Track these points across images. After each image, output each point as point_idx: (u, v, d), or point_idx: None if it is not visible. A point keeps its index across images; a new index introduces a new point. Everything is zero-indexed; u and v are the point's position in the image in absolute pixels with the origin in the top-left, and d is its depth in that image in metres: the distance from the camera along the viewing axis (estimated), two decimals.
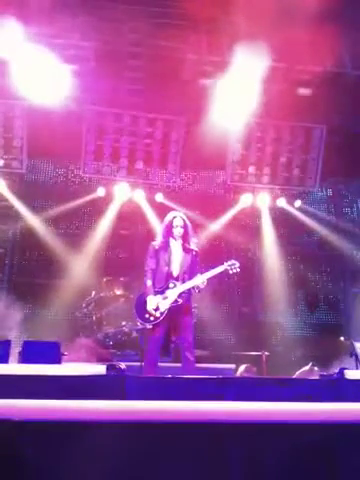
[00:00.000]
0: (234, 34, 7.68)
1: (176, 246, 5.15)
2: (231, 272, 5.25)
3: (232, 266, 5.23)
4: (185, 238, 5.16)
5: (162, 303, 4.92)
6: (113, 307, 7.93)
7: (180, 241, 5.15)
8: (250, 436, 2.07)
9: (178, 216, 5.21)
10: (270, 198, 9.73)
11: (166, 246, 5.12)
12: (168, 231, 5.17)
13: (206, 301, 9.22)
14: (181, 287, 4.95)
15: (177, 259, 5.09)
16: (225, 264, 5.23)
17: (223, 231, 9.81)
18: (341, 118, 8.83)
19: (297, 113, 8.75)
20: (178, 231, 5.13)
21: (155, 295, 4.95)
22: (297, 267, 10.00)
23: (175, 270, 5.05)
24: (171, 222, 5.18)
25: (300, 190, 9.92)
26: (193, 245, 5.22)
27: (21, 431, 1.95)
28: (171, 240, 5.16)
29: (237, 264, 5.26)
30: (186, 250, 5.13)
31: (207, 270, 5.19)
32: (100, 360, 6.32)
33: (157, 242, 5.19)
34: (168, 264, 5.05)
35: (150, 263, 5.12)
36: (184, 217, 5.25)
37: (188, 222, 5.25)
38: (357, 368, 5.40)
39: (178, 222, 5.15)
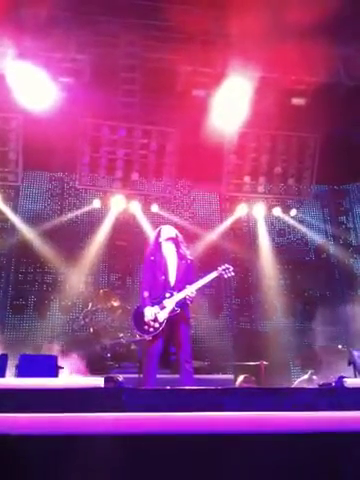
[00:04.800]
0: (227, 46, 7.75)
1: (171, 256, 5.15)
2: (226, 276, 5.26)
3: (226, 270, 5.23)
4: (178, 247, 5.20)
5: (160, 313, 4.89)
6: (110, 319, 7.90)
7: (174, 250, 5.18)
8: (250, 446, 2.06)
9: (166, 227, 5.33)
10: (266, 207, 9.77)
11: (161, 256, 5.13)
12: (157, 240, 5.23)
13: (204, 311, 9.21)
14: (177, 296, 4.94)
15: (172, 268, 5.09)
16: (219, 269, 5.23)
17: (219, 241, 9.83)
18: (335, 127, 8.89)
19: (291, 123, 8.82)
20: (167, 236, 5.19)
21: (152, 306, 4.92)
22: (294, 276, 10.01)
23: (171, 279, 5.05)
24: (159, 233, 5.26)
25: (295, 199, 9.97)
26: (187, 253, 5.24)
27: (20, 445, 1.93)
28: (164, 249, 5.18)
29: (231, 268, 5.26)
30: (181, 258, 5.14)
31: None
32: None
33: (150, 253, 5.22)
34: (164, 273, 5.04)
35: (146, 275, 5.13)
36: (173, 228, 5.35)
37: (177, 232, 5.31)
38: (356, 376, 5.39)
39: (167, 232, 5.24)
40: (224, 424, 2.34)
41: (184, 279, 5.04)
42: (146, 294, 5.00)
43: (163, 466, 1.97)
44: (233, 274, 5.29)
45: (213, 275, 5.19)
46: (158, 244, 5.21)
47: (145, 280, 5.12)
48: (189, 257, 5.21)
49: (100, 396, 3.47)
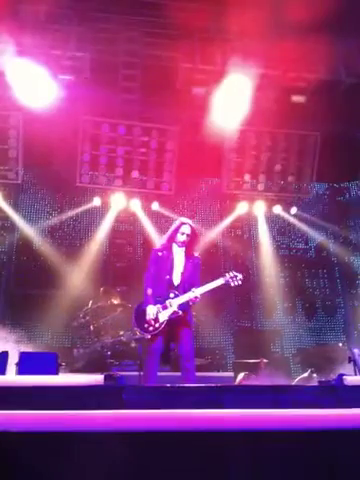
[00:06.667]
0: (227, 43, 7.75)
1: (179, 254, 5.02)
2: (233, 285, 5.03)
3: (233, 278, 5.03)
4: (189, 247, 5.04)
5: (162, 313, 4.81)
6: (110, 317, 7.90)
7: (183, 249, 5.03)
8: (249, 443, 2.06)
9: (187, 223, 5.06)
10: (266, 205, 9.76)
11: (168, 253, 5.00)
12: (173, 237, 5.05)
13: (204, 309, 9.22)
14: (181, 298, 4.84)
15: (178, 268, 4.97)
16: (227, 276, 5.04)
17: (220, 239, 9.84)
18: (335, 125, 8.89)
19: (291, 120, 8.81)
20: (183, 238, 5.00)
21: (155, 304, 4.83)
22: (294, 274, 10.01)
23: (176, 279, 4.94)
24: (178, 228, 5.05)
25: (296, 197, 9.96)
26: (196, 252, 5.11)
27: (20, 442, 1.93)
28: (174, 247, 5.04)
29: (239, 276, 5.05)
30: (188, 258, 5.01)
31: (206, 280, 5.06)
32: None
33: (160, 247, 5.09)
34: (169, 272, 4.93)
35: (151, 270, 4.98)
36: (193, 225, 5.09)
37: (196, 232, 5.12)
38: (356, 374, 5.39)
39: (185, 229, 5.02)
40: (224, 422, 2.34)
41: (189, 279, 4.94)
42: (150, 291, 4.88)
43: (163, 463, 1.97)
44: (240, 283, 5.05)
45: (220, 282, 4.99)
46: (171, 241, 5.06)
47: (149, 276, 4.96)
48: (196, 255, 5.10)
49: (100, 394, 3.48)
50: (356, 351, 5.56)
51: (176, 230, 5.05)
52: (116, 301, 8.11)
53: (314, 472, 2.05)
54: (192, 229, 5.06)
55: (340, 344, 8.29)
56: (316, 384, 5.65)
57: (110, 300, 8.10)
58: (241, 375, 6.70)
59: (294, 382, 6.58)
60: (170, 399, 3.41)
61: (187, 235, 5.02)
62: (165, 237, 5.14)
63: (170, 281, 4.93)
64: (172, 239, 5.06)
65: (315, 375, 6.63)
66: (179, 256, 5.02)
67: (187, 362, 4.81)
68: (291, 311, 9.70)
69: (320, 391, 3.93)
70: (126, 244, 9.68)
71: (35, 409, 2.41)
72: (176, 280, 4.95)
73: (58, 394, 3.32)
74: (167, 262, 4.96)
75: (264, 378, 6.46)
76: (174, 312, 4.82)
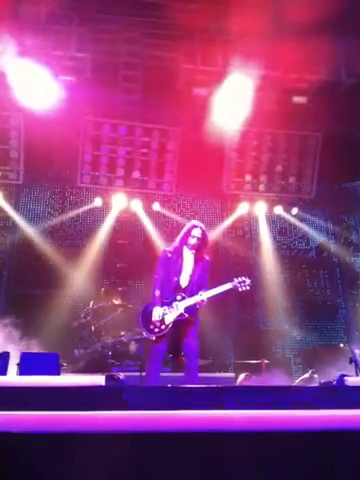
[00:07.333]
0: (228, 43, 7.75)
1: (188, 257, 5.04)
2: (240, 290, 5.05)
3: (242, 283, 5.04)
4: (200, 250, 5.04)
5: (168, 315, 4.83)
6: (111, 317, 7.90)
7: (193, 252, 5.04)
8: (250, 444, 2.06)
9: (198, 227, 5.07)
10: (267, 206, 9.76)
11: (178, 255, 5.02)
12: (184, 240, 5.06)
13: (206, 310, 9.21)
14: (188, 301, 4.86)
15: (187, 270, 4.99)
16: (235, 281, 5.06)
17: (221, 240, 9.83)
18: (336, 125, 8.89)
19: (293, 121, 8.81)
20: (194, 241, 5.00)
21: (162, 306, 4.86)
22: (295, 274, 10.00)
23: (184, 281, 4.97)
24: (189, 231, 5.06)
25: (297, 197, 9.95)
26: (205, 256, 5.12)
27: (21, 443, 1.93)
28: (185, 249, 5.05)
29: (248, 281, 5.06)
30: (197, 261, 5.02)
31: (213, 282, 5.03)
32: None
33: (170, 249, 5.09)
34: (177, 275, 4.96)
35: (160, 271, 5.00)
36: (204, 229, 5.10)
37: (207, 235, 5.15)
38: (357, 375, 5.39)
39: (196, 233, 5.03)
40: (225, 422, 2.34)
41: (198, 282, 4.96)
42: (157, 293, 4.91)
43: (163, 464, 1.98)
44: (248, 288, 5.07)
45: (227, 286, 5.02)
46: (182, 243, 5.06)
47: (158, 278, 4.98)
48: (206, 258, 5.10)
49: (101, 394, 3.48)
50: (357, 352, 5.55)
51: (187, 233, 5.07)
52: (117, 301, 8.11)
53: (314, 473, 2.05)
54: (203, 232, 5.07)
55: (341, 345, 8.28)
56: (317, 385, 5.65)
57: (111, 300, 8.10)
58: (242, 376, 6.69)
59: (295, 383, 6.57)
60: (171, 400, 3.41)
61: (197, 238, 5.02)
62: (177, 240, 5.14)
63: (178, 283, 4.95)
64: (184, 242, 5.06)
65: (316, 376, 6.62)
66: (189, 259, 5.04)
67: (191, 362, 4.85)
68: (292, 311, 9.68)
69: (321, 392, 3.94)
70: (127, 244, 9.68)
71: (36, 410, 2.41)
72: (184, 282, 4.97)
73: (59, 395, 3.33)
74: (176, 264, 4.99)
75: (265, 379, 6.45)
76: (180, 314, 4.84)
